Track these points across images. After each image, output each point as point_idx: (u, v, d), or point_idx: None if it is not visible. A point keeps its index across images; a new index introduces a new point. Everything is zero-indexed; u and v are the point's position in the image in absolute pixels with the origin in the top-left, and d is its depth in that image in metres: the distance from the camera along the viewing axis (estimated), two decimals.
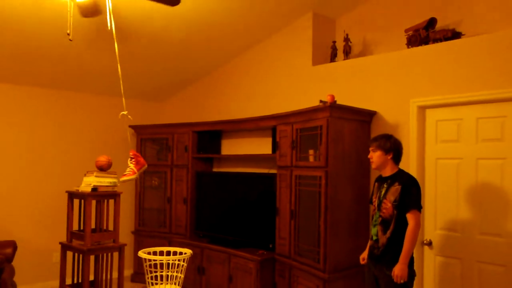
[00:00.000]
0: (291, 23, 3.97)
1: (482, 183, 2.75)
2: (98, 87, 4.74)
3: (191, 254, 3.22)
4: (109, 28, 2.64)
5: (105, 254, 3.72)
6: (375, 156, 2.56)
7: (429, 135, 3.04)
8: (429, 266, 2.98)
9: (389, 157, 2.53)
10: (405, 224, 2.40)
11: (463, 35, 2.97)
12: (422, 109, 3.06)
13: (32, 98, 4.48)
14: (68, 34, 2.84)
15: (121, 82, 3.09)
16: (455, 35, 2.97)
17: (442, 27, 3.10)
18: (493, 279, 2.66)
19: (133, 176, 2.91)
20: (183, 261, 3.13)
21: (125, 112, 2.89)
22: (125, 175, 2.93)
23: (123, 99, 3.12)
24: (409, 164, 3.03)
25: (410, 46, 3.17)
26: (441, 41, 2.99)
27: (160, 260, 3.04)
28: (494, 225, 2.69)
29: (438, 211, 2.96)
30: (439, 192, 2.96)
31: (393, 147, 2.53)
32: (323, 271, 2.98)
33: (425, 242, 2.98)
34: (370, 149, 2.61)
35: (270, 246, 3.65)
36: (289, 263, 3.34)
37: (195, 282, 4.14)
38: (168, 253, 3.37)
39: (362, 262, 2.69)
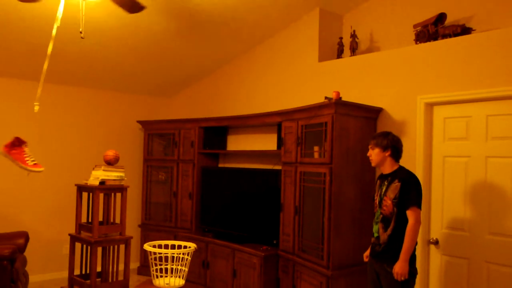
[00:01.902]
0: (298, 19, 3.94)
1: (492, 182, 2.70)
2: (107, 83, 4.80)
3: (195, 248, 3.25)
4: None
5: (112, 246, 3.79)
6: (374, 153, 2.56)
7: (436, 132, 2.99)
8: (435, 265, 2.94)
9: (387, 154, 2.52)
10: (406, 221, 2.39)
11: (474, 30, 2.91)
12: (430, 106, 3.01)
13: (44, 94, 4.55)
14: (81, 32, 2.88)
15: None
16: (465, 30, 2.91)
17: (452, 22, 3.04)
18: (502, 280, 2.61)
19: (39, 169, 2.76)
20: (187, 255, 3.16)
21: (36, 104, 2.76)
22: (29, 165, 2.75)
23: None
24: (415, 162, 2.99)
25: (418, 42, 3.12)
26: (450, 36, 2.93)
27: (165, 253, 3.08)
28: (503, 225, 2.63)
29: (445, 209, 2.91)
30: (446, 190, 2.92)
31: (390, 144, 2.51)
32: (327, 268, 2.97)
33: (431, 241, 2.95)
34: (369, 147, 2.61)
35: (274, 242, 3.66)
36: (293, 259, 3.34)
37: (200, 276, 4.17)
38: (173, 247, 3.41)
39: (365, 259, 2.67)
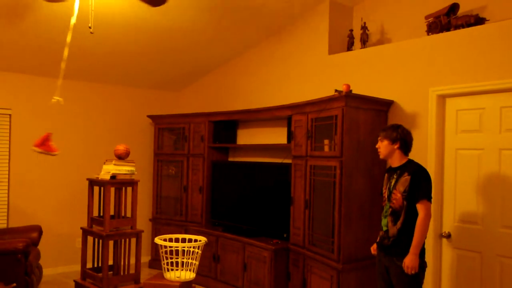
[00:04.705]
0: (308, 11, 3.91)
1: (505, 175, 2.66)
2: (117, 78, 4.83)
3: (205, 241, 3.27)
4: (72, 21, 2.74)
5: (123, 240, 3.83)
6: (382, 146, 2.55)
7: (449, 125, 2.95)
8: (447, 259, 2.91)
9: (395, 147, 2.51)
10: (415, 214, 2.37)
11: (487, 20, 2.85)
12: (442, 98, 2.96)
13: (55, 89, 4.60)
14: (90, 27, 2.91)
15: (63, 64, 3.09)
16: (479, 21, 2.85)
17: (465, 12, 2.98)
18: None
19: (39, 150, 3.28)
20: (198, 248, 3.18)
21: (57, 99, 3.08)
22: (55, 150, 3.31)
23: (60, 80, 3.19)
24: (427, 155, 2.96)
25: (430, 33, 3.07)
26: (463, 27, 2.88)
27: (176, 247, 3.11)
28: None
29: (458, 202, 2.88)
30: (458, 183, 2.88)
31: (399, 136, 2.49)
32: (337, 262, 2.96)
33: (443, 234, 2.92)
34: (378, 139, 2.60)
35: (285, 235, 3.66)
36: (303, 253, 3.34)
37: (210, 270, 4.20)
38: (184, 240, 3.43)
39: (373, 252, 2.67)
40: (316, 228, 3.27)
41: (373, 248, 2.67)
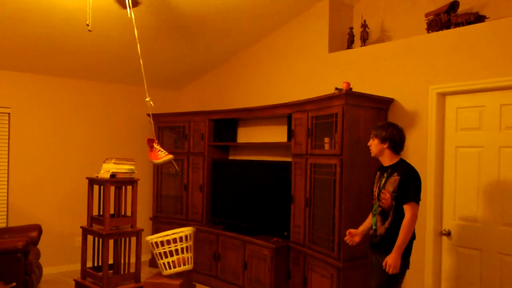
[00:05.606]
0: (308, 9, 3.90)
1: (505, 172, 2.66)
2: (116, 76, 4.82)
3: (193, 230, 3.32)
4: (129, 15, 2.76)
5: (123, 239, 3.82)
6: (373, 144, 2.52)
7: (449, 122, 2.95)
8: (447, 256, 2.92)
9: (385, 146, 2.47)
10: (404, 215, 2.36)
11: (487, 18, 2.85)
12: (442, 96, 2.97)
13: (55, 88, 4.60)
14: (88, 25, 2.91)
15: (142, 69, 3.22)
16: (478, 18, 2.85)
17: (465, 10, 2.98)
18: None
19: (169, 157, 3.12)
20: (187, 239, 3.21)
21: (148, 99, 3.15)
22: (161, 157, 3.14)
23: (145, 86, 3.29)
24: (427, 152, 2.96)
25: (430, 31, 3.07)
26: (463, 25, 2.88)
27: (165, 236, 3.15)
28: None
29: (458, 200, 2.89)
30: (458, 181, 2.89)
31: (388, 136, 2.45)
32: (338, 260, 2.97)
33: (443, 232, 2.93)
34: (370, 136, 2.56)
35: (285, 233, 3.66)
36: (304, 251, 3.34)
37: (211, 268, 4.20)
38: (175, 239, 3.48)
39: (346, 238, 2.61)
40: (316, 226, 3.28)
41: (348, 232, 2.61)
